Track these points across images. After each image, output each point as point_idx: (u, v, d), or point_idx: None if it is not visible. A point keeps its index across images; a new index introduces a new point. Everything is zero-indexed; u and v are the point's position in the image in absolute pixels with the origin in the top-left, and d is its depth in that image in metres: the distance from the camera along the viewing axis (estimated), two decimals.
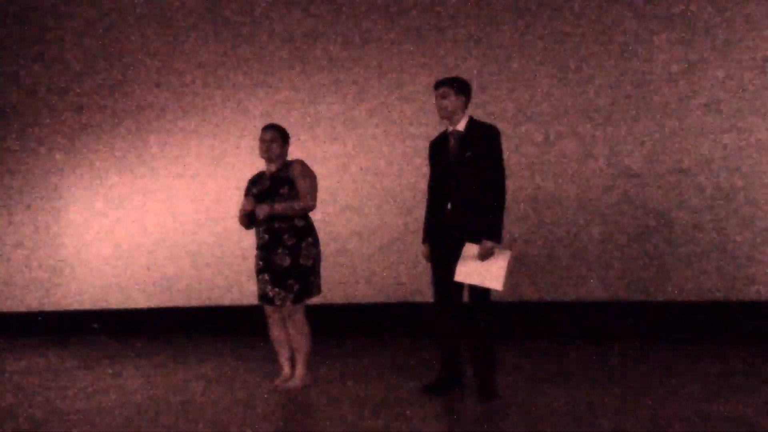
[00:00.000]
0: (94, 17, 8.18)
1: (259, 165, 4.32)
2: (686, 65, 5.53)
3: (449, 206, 3.73)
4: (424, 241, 3.93)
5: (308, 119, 6.99)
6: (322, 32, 6.99)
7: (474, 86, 4.16)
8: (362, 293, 6.59)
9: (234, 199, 4.86)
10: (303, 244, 4.06)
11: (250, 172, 4.38)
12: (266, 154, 4.16)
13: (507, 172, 3.78)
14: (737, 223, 5.32)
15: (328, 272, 4.64)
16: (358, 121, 6.78)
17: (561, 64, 5.94)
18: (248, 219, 4.13)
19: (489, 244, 3.63)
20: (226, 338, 6.79)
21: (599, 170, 5.78)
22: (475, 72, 6.09)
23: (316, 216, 4.22)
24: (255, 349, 5.91)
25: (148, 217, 7.80)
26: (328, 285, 4.62)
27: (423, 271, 4.04)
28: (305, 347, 4.12)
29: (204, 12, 7.62)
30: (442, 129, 3.96)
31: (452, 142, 3.81)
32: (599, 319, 5.66)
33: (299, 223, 4.08)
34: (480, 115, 3.96)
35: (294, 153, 4.39)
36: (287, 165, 4.17)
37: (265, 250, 4.08)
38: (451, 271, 3.69)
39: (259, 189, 4.12)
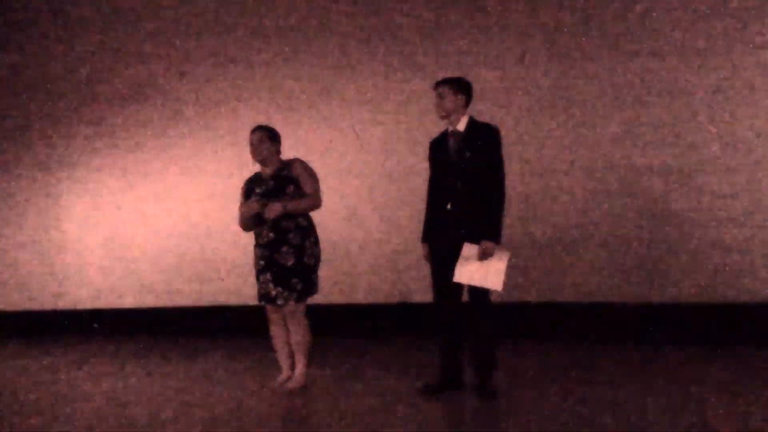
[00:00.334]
0: (94, 17, 8.17)
1: (256, 168, 4.31)
2: (687, 64, 5.52)
3: (449, 206, 3.73)
4: (423, 241, 3.93)
5: (309, 119, 6.98)
6: (322, 32, 6.98)
7: (477, 85, 4.15)
8: (362, 293, 6.58)
9: (233, 198, 4.85)
10: (307, 243, 4.07)
11: (249, 172, 4.37)
12: (256, 155, 4.16)
13: (506, 173, 3.78)
14: (737, 224, 5.31)
15: (327, 272, 4.64)
16: (358, 120, 6.77)
17: (561, 63, 5.93)
18: (254, 221, 4.11)
19: (488, 244, 3.62)
20: (225, 338, 6.79)
21: (598, 171, 5.77)
22: (474, 71, 6.08)
23: (315, 215, 4.21)
24: (254, 349, 5.91)
25: (148, 216, 7.79)
26: (328, 285, 4.62)
27: (423, 271, 4.03)
28: (305, 347, 4.12)
29: (204, 11, 7.61)
30: (442, 129, 3.95)
31: (452, 142, 3.81)
32: (599, 320, 5.65)
33: (303, 222, 4.09)
34: (478, 114, 3.94)
35: (293, 153, 4.38)
36: (286, 164, 4.16)
37: (268, 249, 4.07)
38: (451, 272, 3.68)
39: (264, 190, 4.11)
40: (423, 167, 4.08)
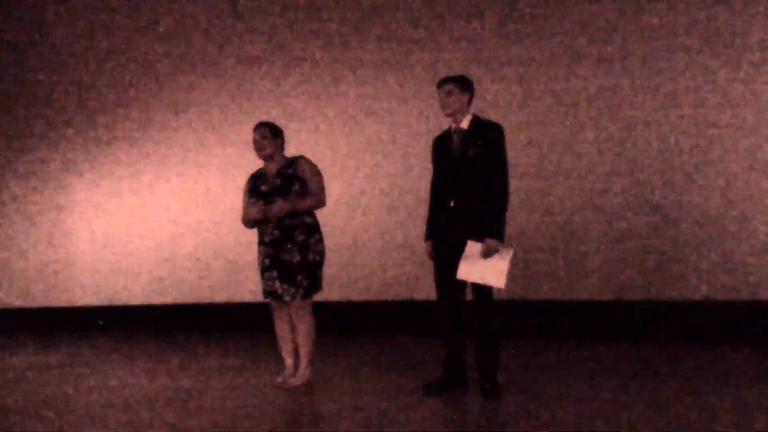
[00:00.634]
0: (96, 16, 8.18)
1: (260, 162, 4.31)
2: (689, 64, 5.51)
3: (452, 204, 3.73)
4: (426, 239, 3.93)
5: (311, 118, 6.98)
6: (322, 31, 6.97)
7: (478, 84, 4.15)
8: (365, 291, 6.59)
9: (233, 196, 4.87)
10: (311, 240, 4.08)
11: (251, 169, 4.37)
12: (259, 152, 4.17)
13: (509, 171, 3.77)
14: (740, 222, 5.30)
15: (331, 270, 4.64)
16: (362, 118, 6.77)
17: (562, 62, 5.92)
18: (258, 219, 4.13)
19: (492, 242, 3.62)
20: (229, 335, 6.80)
21: (601, 169, 5.76)
22: (476, 70, 6.08)
23: (319, 213, 4.22)
24: (258, 345, 5.92)
25: (150, 213, 7.81)
26: (331, 283, 4.63)
27: (426, 268, 4.03)
28: (310, 344, 4.13)
29: (204, 10, 7.61)
30: (445, 127, 3.95)
31: (455, 140, 3.80)
32: (602, 318, 5.65)
33: (308, 220, 4.10)
34: (480, 112, 3.94)
35: (297, 151, 4.38)
36: (292, 162, 4.16)
37: (273, 247, 4.08)
38: (454, 269, 3.68)
39: (270, 187, 4.11)
40: (427, 165, 4.08)
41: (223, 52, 7.51)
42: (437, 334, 3.93)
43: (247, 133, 7.06)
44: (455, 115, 3.81)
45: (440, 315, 3.87)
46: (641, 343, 5.29)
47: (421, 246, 4.06)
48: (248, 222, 4.17)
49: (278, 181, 4.10)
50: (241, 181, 4.40)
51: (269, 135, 4.17)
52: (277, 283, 4.07)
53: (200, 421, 3.40)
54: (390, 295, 6.46)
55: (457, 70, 4.91)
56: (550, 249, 5.87)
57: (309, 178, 4.10)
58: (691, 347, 5.07)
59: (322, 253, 4.15)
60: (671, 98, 5.57)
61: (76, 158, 8.29)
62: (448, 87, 3.80)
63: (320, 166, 4.28)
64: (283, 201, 3.99)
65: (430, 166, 3.98)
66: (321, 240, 4.16)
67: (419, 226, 4.07)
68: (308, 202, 4.06)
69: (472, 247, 3.64)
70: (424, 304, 5.76)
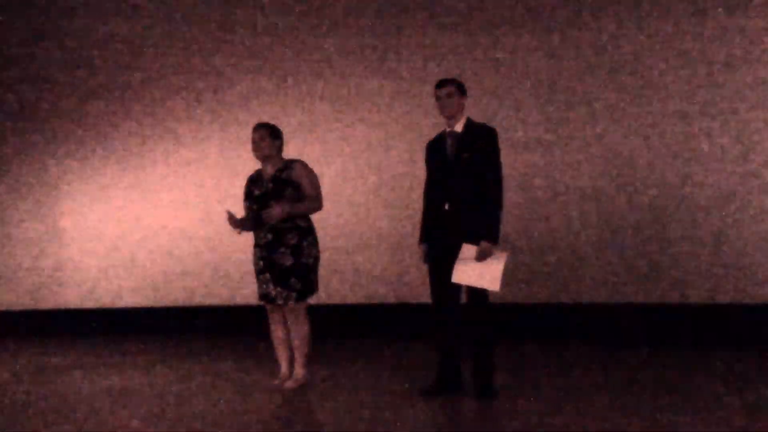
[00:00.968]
0: (94, 16, 8.17)
1: (258, 163, 4.30)
2: (686, 65, 5.52)
3: (447, 207, 3.73)
4: (420, 243, 3.93)
5: (308, 118, 6.98)
6: (322, 31, 6.97)
7: (473, 86, 4.16)
8: (360, 294, 6.58)
9: (233, 197, 4.87)
10: (304, 243, 4.07)
11: (249, 170, 4.37)
12: (258, 153, 4.17)
13: (504, 173, 3.78)
14: (736, 225, 5.31)
15: (326, 273, 4.64)
16: (358, 121, 6.77)
17: (560, 62, 5.93)
18: (253, 222, 4.12)
19: (487, 245, 3.63)
20: (225, 338, 6.79)
21: (597, 171, 5.77)
22: (473, 71, 6.09)
23: (315, 215, 4.22)
24: (253, 348, 5.91)
25: (148, 216, 7.80)
26: (326, 286, 4.63)
27: (422, 272, 4.03)
28: (305, 347, 4.13)
29: (204, 10, 7.61)
30: (440, 129, 3.95)
31: (450, 142, 3.81)
32: (597, 321, 5.65)
33: (302, 223, 4.10)
34: (476, 114, 3.95)
35: (293, 153, 4.38)
36: (287, 166, 4.15)
37: (266, 250, 4.09)
38: (449, 273, 3.69)
39: (262, 192, 4.11)
40: (422, 167, 4.08)
41: (222, 51, 7.51)
42: (433, 337, 3.93)
43: (246, 134, 7.09)
44: (452, 118, 3.82)
45: (435, 318, 3.87)
46: (637, 346, 5.29)
47: (416, 249, 4.06)
48: (244, 227, 4.17)
49: (271, 185, 4.10)
50: (238, 181, 4.40)
51: (268, 136, 4.16)
52: (271, 287, 4.08)
53: (196, 423, 3.40)
54: (385, 298, 6.46)
55: (450, 71, 4.92)
56: (545, 252, 5.87)
57: (305, 182, 4.09)
58: (687, 349, 5.08)
59: (315, 256, 4.15)
60: (667, 99, 5.58)
61: (70, 159, 8.27)
62: (449, 89, 3.81)
63: (317, 168, 4.28)
64: (280, 204, 3.99)
65: (424, 168, 3.98)
66: (314, 243, 4.15)
67: (415, 229, 4.07)
68: (303, 207, 4.06)
69: (467, 250, 3.65)
70: (420, 307, 5.75)
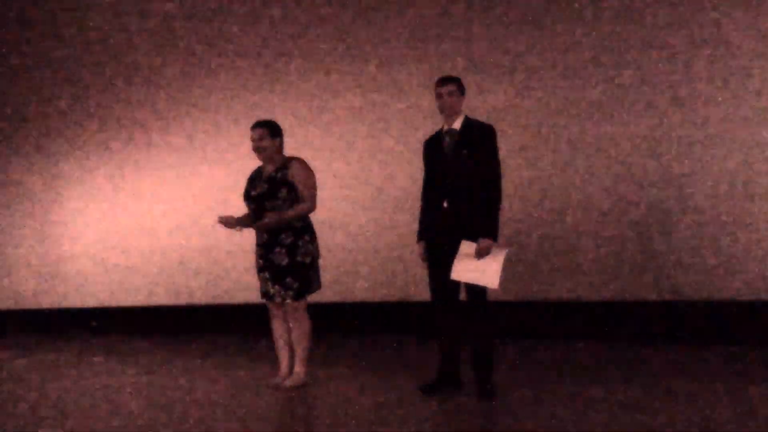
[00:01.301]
0: (93, 17, 8.17)
1: (259, 161, 4.30)
2: (686, 64, 5.52)
3: (446, 205, 3.73)
4: (419, 241, 3.93)
5: (308, 117, 6.98)
6: (320, 33, 6.97)
7: (471, 83, 4.16)
8: (360, 292, 6.59)
9: (234, 195, 4.87)
10: (300, 242, 4.07)
11: (249, 169, 4.37)
12: (257, 152, 4.16)
13: (503, 171, 3.78)
14: (736, 223, 5.31)
15: (326, 271, 4.63)
16: (358, 119, 6.77)
17: (559, 61, 5.92)
18: (250, 221, 4.14)
19: (486, 242, 3.63)
20: (225, 336, 6.80)
21: (596, 169, 5.76)
22: (473, 69, 6.08)
23: (315, 214, 4.21)
24: (253, 346, 5.92)
25: (147, 214, 7.81)
26: (327, 283, 4.62)
27: (422, 269, 4.03)
28: (305, 345, 4.13)
29: (204, 9, 7.61)
30: (437, 127, 3.95)
31: (447, 140, 3.81)
32: (597, 318, 5.65)
33: (297, 222, 4.09)
34: (476, 112, 3.95)
35: (293, 151, 4.37)
36: (285, 165, 4.15)
37: (264, 249, 4.10)
38: (448, 270, 3.68)
39: (258, 193, 4.11)
40: (419, 165, 4.07)
41: (221, 52, 7.51)
42: (432, 335, 3.93)
43: (245, 133, 7.12)
44: (451, 116, 3.82)
45: (435, 316, 3.87)
46: (637, 343, 5.29)
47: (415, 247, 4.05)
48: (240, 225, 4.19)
49: (265, 186, 4.10)
50: (238, 180, 4.40)
51: (267, 135, 4.15)
52: (270, 285, 4.09)
53: (196, 420, 3.40)
54: (385, 296, 6.46)
55: (456, 68, 4.92)
56: (545, 249, 5.87)
57: (299, 182, 4.08)
58: (687, 347, 5.07)
59: (313, 255, 4.14)
60: (668, 97, 5.57)
61: (69, 159, 8.28)
62: (451, 87, 3.81)
63: (317, 167, 4.27)
64: (270, 215, 4.01)
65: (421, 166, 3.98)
66: (312, 241, 4.14)
67: (415, 227, 4.06)
68: (294, 213, 4.04)
69: (466, 248, 3.64)
70: (420, 305, 5.75)
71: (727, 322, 5.25)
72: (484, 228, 3.65)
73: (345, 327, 6.47)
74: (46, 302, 8.32)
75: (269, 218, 4.02)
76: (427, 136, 4.00)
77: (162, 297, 7.64)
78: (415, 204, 4.08)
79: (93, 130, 8.18)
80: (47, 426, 3.45)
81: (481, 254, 3.63)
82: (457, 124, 3.81)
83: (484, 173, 3.69)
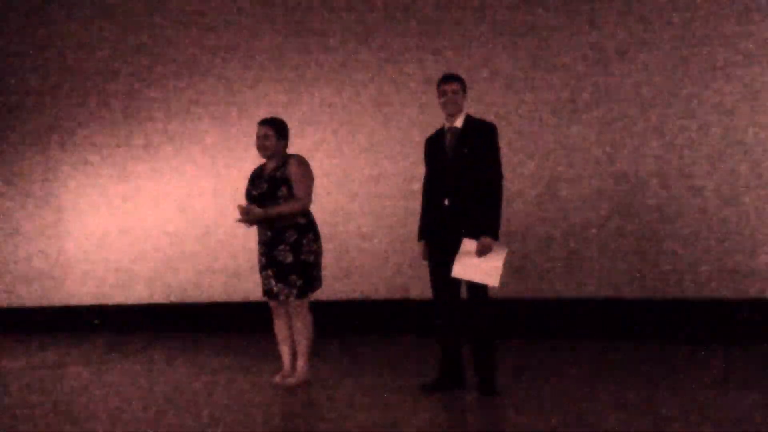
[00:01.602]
0: (94, 14, 8.17)
1: (260, 160, 4.31)
2: (687, 65, 5.52)
3: (447, 203, 3.74)
4: (420, 239, 3.94)
5: (308, 115, 6.98)
6: (317, 29, 6.98)
7: (474, 82, 4.16)
8: (362, 290, 6.60)
9: (235, 194, 4.89)
10: (304, 240, 4.07)
11: (250, 168, 4.38)
12: (261, 150, 4.16)
13: (504, 169, 3.79)
14: (739, 220, 5.31)
15: (328, 269, 4.65)
16: (359, 117, 6.77)
17: (561, 62, 5.93)
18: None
19: (487, 240, 3.64)
20: (227, 334, 6.81)
21: (598, 167, 5.77)
22: (475, 68, 6.09)
23: (316, 213, 4.23)
24: (256, 345, 5.93)
25: (148, 213, 7.81)
26: (329, 282, 4.64)
27: (423, 267, 4.04)
28: (307, 343, 4.13)
29: (204, 8, 7.61)
30: (439, 126, 3.96)
31: (449, 138, 3.82)
32: (599, 316, 5.65)
33: (301, 220, 4.09)
34: (479, 111, 3.96)
35: (294, 149, 4.37)
36: (285, 162, 4.14)
37: (267, 247, 4.10)
38: (449, 268, 3.69)
39: (259, 192, 4.12)
40: (419, 163, 4.08)
41: (225, 49, 7.51)
42: (434, 333, 3.94)
43: (243, 134, 7.15)
44: (453, 114, 3.83)
45: (436, 314, 3.88)
46: (639, 342, 5.29)
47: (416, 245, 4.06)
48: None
49: (265, 186, 4.10)
50: (238, 179, 4.40)
51: (273, 134, 4.14)
52: (273, 283, 4.09)
53: (198, 420, 3.41)
54: (387, 294, 6.46)
55: (457, 68, 4.90)
56: (546, 247, 5.87)
57: (295, 180, 4.08)
58: (688, 346, 5.08)
59: (316, 253, 4.15)
60: (668, 94, 5.58)
61: (70, 158, 8.29)
62: (455, 86, 3.82)
63: (315, 164, 4.27)
64: (254, 210, 4.01)
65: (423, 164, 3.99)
66: (315, 239, 4.15)
67: (416, 224, 4.07)
68: (286, 209, 4.02)
69: (467, 245, 3.65)
70: (422, 303, 5.77)
71: (732, 320, 5.25)
72: (485, 226, 3.65)
73: (347, 325, 6.48)
74: (47, 301, 8.32)
75: (255, 211, 4.01)
76: (429, 134, 4.01)
77: (163, 295, 7.65)
78: (416, 202, 4.09)
79: (93, 130, 8.19)
80: (50, 425, 3.46)
81: (482, 252, 3.64)
82: (458, 122, 3.82)
83: (486, 171, 3.70)
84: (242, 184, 4.31)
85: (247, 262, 4.51)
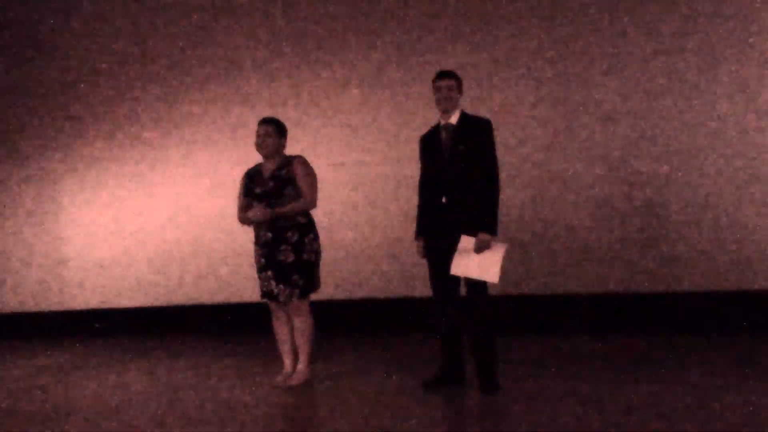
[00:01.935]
0: (93, 16, 8.16)
1: (257, 159, 4.31)
2: (686, 63, 5.52)
3: (444, 200, 3.73)
4: (417, 237, 3.94)
5: (308, 114, 6.98)
6: (315, 27, 6.97)
7: (474, 81, 4.16)
8: (362, 289, 6.59)
9: (229, 196, 4.90)
10: (306, 240, 4.08)
11: (245, 169, 4.37)
12: (261, 149, 4.17)
13: (502, 166, 3.78)
14: (736, 214, 5.32)
15: (328, 268, 4.65)
16: (358, 116, 6.77)
17: (561, 60, 5.92)
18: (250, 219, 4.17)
19: (486, 236, 3.63)
20: (228, 336, 6.81)
21: (597, 162, 5.76)
22: (475, 67, 6.08)
23: (316, 212, 4.23)
24: (256, 346, 5.93)
25: (148, 215, 7.81)
26: (329, 281, 4.64)
27: (423, 265, 4.04)
28: (308, 343, 4.14)
29: (204, 7, 7.59)
30: (434, 124, 3.95)
31: (445, 135, 3.81)
32: (599, 311, 5.65)
33: (302, 219, 4.10)
34: (480, 110, 3.96)
35: (294, 148, 4.37)
36: (288, 162, 4.15)
37: (267, 248, 4.10)
38: (448, 265, 3.69)
39: (263, 190, 4.12)
40: (413, 161, 4.08)
41: (224, 48, 7.50)
42: (434, 330, 3.94)
43: (241, 134, 7.15)
44: (448, 111, 3.82)
45: (436, 311, 3.88)
46: (640, 336, 5.29)
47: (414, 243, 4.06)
48: (244, 220, 4.19)
49: (271, 184, 4.10)
50: (235, 180, 4.40)
51: (274, 133, 4.16)
52: (273, 284, 4.09)
53: (199, 421, 3.41)
54: (387, 293, 6.46)
55: (458, 66, 4.89)
56: (545, 243, 5.87)
57: (301, 180, 4.09)
58: (687, 338, 5.08)
59: (317, 252, 4.16)
60: (668, 91, 5.57)
61: (68, 161, 8.28)
62: (450, 82, 3.81)
63: (316, 163, 4.27)
64: (261, 209, 4.01)
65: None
66: (316, 239, 4.16)
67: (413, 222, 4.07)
68: (294, 208, 4.04)
69: (466, 242, 3.65)
70: (422, 301, 5.77)
71: (733, 313, 5.25)
72: (483, 223, 3.65)
73: (347, 324, 6.48)
74: (47, 305, 8.32)
75: (262, 211, 4.00)
76: (423, 132, 4.00)
77: (165, 298, 7.65)
78: (413, 199, 4.08)
79: (92, 132, 8.18)
80: (51, 429, 3.46)
81: (480, 249, 3.64)
82: (454, 119, 3.81)
83: (482, 168, 3.69)
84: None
85: (248, 262, 4.52)
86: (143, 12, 7.88)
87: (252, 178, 4.23)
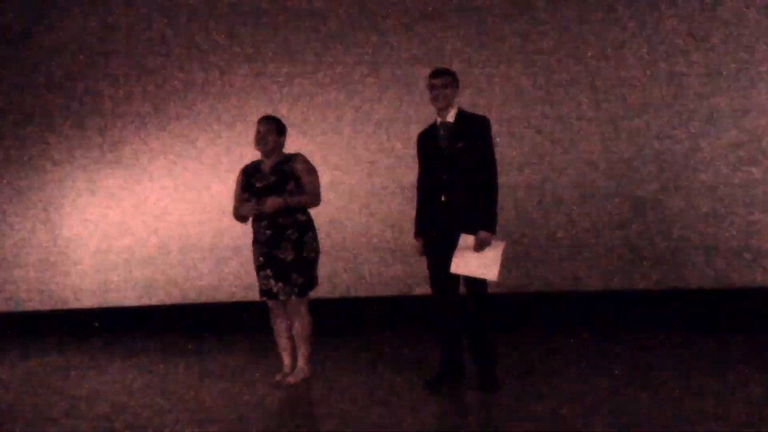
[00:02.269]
0: (92, 14, 8.15)
1: (256, 156, 4.30)
2: (685, 62, 5.52)
3: (442, 198, 3.72)
4: (416, 236, 3.93)
5: (306, 112, 6.97)
6: (313, 25, 6.96)
7: (471, 78, 4.15)
8: (361, 287, 6.59)
9: (228, 195, 4.89)
10: (305, 238, 4.08)
11: (242, 166, 4.37)
12: (261, 145, 4.16)
13: (500, 164, 3.77)
14: (733, 213, 5.31)
15: (327, 267, 4.65)
16: (356, 114, 6.76)
17: (557, 58, 5.91)
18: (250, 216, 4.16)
19: (485, 234, 3.63)
20: (226, 334, 6.81)
21: (595, 160, 5.76)
22: (471, 65, 6.07)
23: (316, 209, 4.22)
24: (255, 344, 5.93)
25: (148, 214, 7.80)
26: (328, 279, 4.63)
27: (422, 264, 4.03)
28: (307, 341, 4.14)
29: (203, 6, 7.59)
30: (431, 121, 3.94)
31: (442, 133, 3.80)
32: (599, 309, 5.65)
33: (301, 217, 4.10)
34: (474, 107, 3.95)
35: (291, 146, 4.37)
36: (288, 159, 4.15)
37: (266, 246, 4.09)
38: (448, 264, 3.68)
39: (265, 184, 4.11)
40: (409, 159, 4.07)
41: (223, 48, 7.49)
42: (434, 328, 3.93)
43: (238, 132, 7.14)
44: (444, 108, 3.81)
45: (436, 310, 3.87)
46: (638, 334, 5.29)
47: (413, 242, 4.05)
48: (240, 218, 4.19)
49: (273, 178, 4.10)
50: (233, 178, 4.39)
51: (274, 130, 4.16)
52: (272, 282, 4.08)
53: (198, 420, 3.41)
54: (387, 291, 6.46)
55: (454, 65, 4.89)
56: (544, 240, 5.86)
57: (303, 176, 4.09)
58: (688, 336, 5.07)
59: (316, 251, 4.16)
60: (668, 89, 5.57)
61: (66, 160, 8.27)
62: (445, 80, 3.79)
63: (318, 161, 4.27)
64: (276, 197, 3.99)
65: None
66: (315, 237, 4.17)
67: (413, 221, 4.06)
68: (302, 200, 4.06)
69: (465, 240, 3.65)
70: (422, 300, 5.76)
71: (731, 310, 5.25)
72: (482, 221, 3.64)
73: (346, 322, 6.47)
74: (46, 304, 8.31)
75: (277, 199, 3.98)
76: (420, 130, 3.99)
77: (161, 296, 7.64)
78: (411, 198, 4.07)
79: (92, 132, 8.17)
80: (51, 428, 3.45)
81: (480, 247, 3.63)
82: (450, 117, 3.80)
83: (481, 165, 3.68)
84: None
85: (247, 260, 4.51)
86: (152, 18, 7.87)
87: (251, 173, 4.22)
